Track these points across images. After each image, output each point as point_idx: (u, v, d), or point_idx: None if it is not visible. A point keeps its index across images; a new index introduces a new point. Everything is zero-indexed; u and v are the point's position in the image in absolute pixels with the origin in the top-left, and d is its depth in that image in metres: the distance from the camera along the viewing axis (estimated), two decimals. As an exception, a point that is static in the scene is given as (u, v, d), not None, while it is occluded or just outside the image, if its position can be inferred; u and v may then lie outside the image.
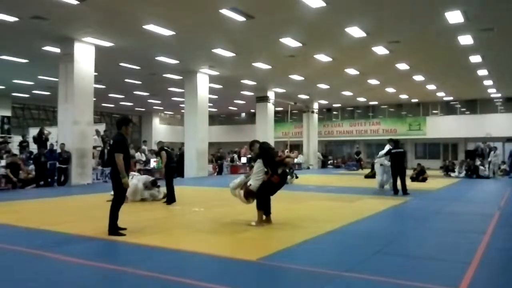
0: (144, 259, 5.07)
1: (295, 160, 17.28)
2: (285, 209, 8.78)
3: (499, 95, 30.37)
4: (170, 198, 10.26)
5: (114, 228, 6.34)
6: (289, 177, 16.60)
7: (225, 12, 12.29)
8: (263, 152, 7.38)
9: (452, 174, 22.41)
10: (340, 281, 4.24)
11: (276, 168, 7.25)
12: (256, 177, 7.27)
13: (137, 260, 5.06)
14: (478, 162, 22.11)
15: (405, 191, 12.44)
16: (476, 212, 9.33)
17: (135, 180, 10.93)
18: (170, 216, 8.74)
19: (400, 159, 12.74)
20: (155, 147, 31.21)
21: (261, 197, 7.25)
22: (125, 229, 6.48)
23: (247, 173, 7.60)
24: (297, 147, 35.45)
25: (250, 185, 7.26)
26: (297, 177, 17.51)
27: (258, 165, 7.33)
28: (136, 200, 10.56)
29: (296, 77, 23.03)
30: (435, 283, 4.09)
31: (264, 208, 7.30)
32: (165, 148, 10.83)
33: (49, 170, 15.45)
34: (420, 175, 18.46)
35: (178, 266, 4.78)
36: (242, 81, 24.21)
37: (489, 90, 27.99)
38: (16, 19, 12.97)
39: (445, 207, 9.97)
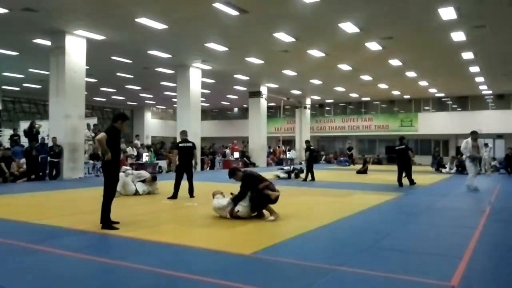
0: (137, 253, 5.06)
1: (281, 176, 17.23)
2: (278, 204, 8.77)
3: (490, 92, 30.67)
4: (174, 194, 10.14)
5: (107, 222, 6.32)
6: (292, 175, 16.94)
7: (218, 6, 12.23)
8: (246, 185, 7.33)
9: (443, 170, 22.57)
10: (334, 275, 4.26)
11: (261, 193, 7.23)
12: (244, 203, 7.25)
13: (130, 253, 5.05)
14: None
15: (411, 182, 13.92)
16: (467, 207, 9.41)
17: (122, 174, 10.93)
18: (164, 210, 8.71)
19: (404, 155, 13.89)
20: (147, 142, 31.08)
21: (257, 206, 7.27)
22: (118, 222, 6.46)
23: (233, 196, 7.52)
24: (289, 142, 35.52)
25: (238, 211, 7.23)
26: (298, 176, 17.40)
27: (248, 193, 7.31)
28: (129, 194, 10.52)
29: (289, 73, 23.04)
30: (428, 277, 4.12)
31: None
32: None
33: (41, 164, 15.34)
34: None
35: (171, 260, 4.77)
36: (235, 76, 24.16)
37: (481, 87, 28.24)
38: (6, 10, 12.81)
39: (436, 203, 10.04)
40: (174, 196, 10.07)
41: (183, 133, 10.76)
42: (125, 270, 4.40)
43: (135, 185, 10.79)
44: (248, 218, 7.23)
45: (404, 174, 14.05)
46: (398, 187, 13.49)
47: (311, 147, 17.08)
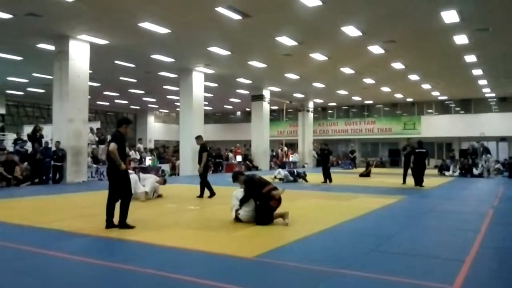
0: (140, 256, 5.07)
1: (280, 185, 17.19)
2: (280, 207, 8.77)
3: (493, 94, 30.58)
4: (211, 192, 11.09)
5: (123, 222, 6.60)
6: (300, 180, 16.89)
7: (221, 10, 12.28)
8: (249, 190, 7.30)
9: (447, 173, 22.53)
10: (336, 278, 4.26)
11: (266, 199, 7.18)
12: (247, 207, 7.24)
13: (133, 257, 5.06)
14: (470, 162, 22.25)
15: (421, 184, 14.93)
16: (470, 210, 9.38)
17: (152, 178, 11.21)
18: (166, 214, 8.72)
19: (423, 158, 15.17)
20: (150, 145, 31.07)
21: (261, 219, 7.18)
22: (134, 227, 6.66)
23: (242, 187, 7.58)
24: (292, 145, 35.51)
25: (239, 213, 7.25)
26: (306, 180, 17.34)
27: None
28: (136, 196, 10.52)
29: (291, 76, 23.06)
30: (430, 281, 4.12)
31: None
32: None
33: (44, 168, 15.39)
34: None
35: (174, 263, 4.77)
36: (237, 79, 24.21)
37: (484, 90, 28.16)
38: (11, 16, 12.90)
39: (439, 206, 10.03)
40: (201, 195, 11.14)
41: (201, 137, 11.92)
42: (128, 273, 4.41)
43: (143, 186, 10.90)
44: (249, 222, 7.22)
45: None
46: (414, 185, 14.95)
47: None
